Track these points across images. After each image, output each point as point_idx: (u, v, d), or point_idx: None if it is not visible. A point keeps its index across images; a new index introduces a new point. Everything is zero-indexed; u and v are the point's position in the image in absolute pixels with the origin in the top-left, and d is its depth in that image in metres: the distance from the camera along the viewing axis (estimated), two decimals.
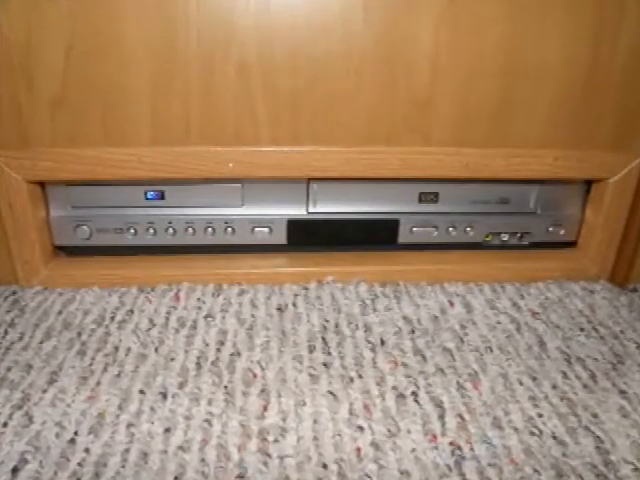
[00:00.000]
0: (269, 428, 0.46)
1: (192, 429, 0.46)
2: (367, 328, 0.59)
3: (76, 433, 0.45)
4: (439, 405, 0.49)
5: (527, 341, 0.58)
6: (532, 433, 0.47)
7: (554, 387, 0.52)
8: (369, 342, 0.56)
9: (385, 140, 0.62)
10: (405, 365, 0.54)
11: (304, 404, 0.49)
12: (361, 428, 0.46)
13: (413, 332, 0.58)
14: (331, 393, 0.50)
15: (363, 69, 0.59)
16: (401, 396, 0.50)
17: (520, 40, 0.58)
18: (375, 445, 0.45)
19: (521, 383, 0.52)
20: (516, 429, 0.47)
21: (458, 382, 0.52)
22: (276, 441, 0.45)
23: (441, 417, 0.48)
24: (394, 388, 0.51)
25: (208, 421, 0.47)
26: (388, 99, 0.60)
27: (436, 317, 0.61)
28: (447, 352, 0.56)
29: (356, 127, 0.61)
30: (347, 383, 0.51)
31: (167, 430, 0.46)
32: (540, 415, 0.48)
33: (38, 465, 0.42)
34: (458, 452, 0.45)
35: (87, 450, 0.44)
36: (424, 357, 0.55)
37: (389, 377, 0.52)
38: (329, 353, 0.55)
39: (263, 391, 0.50)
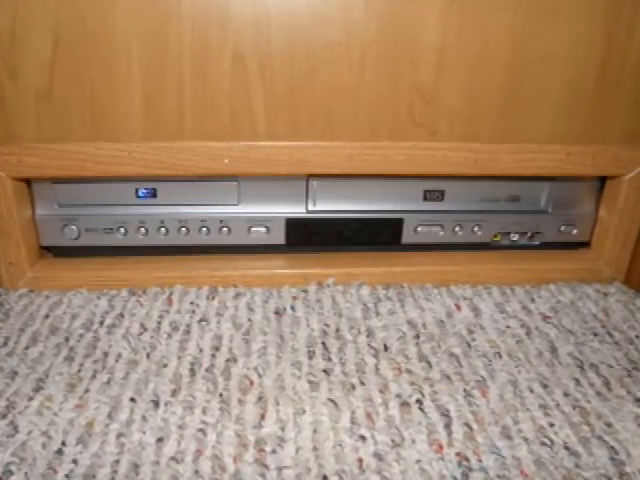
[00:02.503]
0: (266, 438, 0.46)
1: (185, 439, 0.46)
2: (369, 333, 0.59)
3: (63, 443, 0.45)
4: (445, 414, 0.49)
5: (538, 346, 0.58)
6: (543, 443, 0.47)
7: (566, 395, 0.52)
8: (372, 347, 0.56)
9: (388, 135, 0.62)
10: (409, 372, 0.54)
11: (303, 412, 0.49)
12: (363, 438, 0.46)
13: (418, 337, 0.58)
14: (332, 401, 0.50)
15: (365, 60, 0.59)
16: (405, 404, 0.50)
17: (530, 30, 0.59)
18: (378, 456, 0.45)
19: (531, 390, 0.52)
20: (526, 439, 0.47)
21: (465, 389, 0.52)
22: (274, 452, 0.45)
23: (447, 426, 0.48)
24: (398, 396, 0.51)
25: (202, 430, 0.47)
26: (392, 92, 0.60)
27: (442, 321, 0.61)
28: (454, 358, 0.56)
29: (358, 121, 0.61)
30: (348, 390, 0.51)
31: (159, 440, 0.46)
32: (551, 424, 0.48)
33: (23, 477, 0.42)
34: (465, 463, 0.45)
35: (75, 461, 0.44)
36: (429, 363, 0.55)
37: (393, 384, 0.52)
38: (329, 359, 0.55)
39: (260, 399, 0.50)
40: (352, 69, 0.59)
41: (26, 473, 0.43)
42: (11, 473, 0.43)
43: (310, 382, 0.52)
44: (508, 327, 0.60)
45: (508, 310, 0.63)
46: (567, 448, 0.46)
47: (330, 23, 0.57)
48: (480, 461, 0.45)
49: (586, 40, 0.59)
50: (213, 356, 0.55)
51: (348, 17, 0.57)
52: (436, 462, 0.45)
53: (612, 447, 0.46)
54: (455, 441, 0.46)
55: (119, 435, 0.46)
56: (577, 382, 0.53)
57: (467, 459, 0.45)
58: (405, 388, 0.51)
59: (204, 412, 0.48)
